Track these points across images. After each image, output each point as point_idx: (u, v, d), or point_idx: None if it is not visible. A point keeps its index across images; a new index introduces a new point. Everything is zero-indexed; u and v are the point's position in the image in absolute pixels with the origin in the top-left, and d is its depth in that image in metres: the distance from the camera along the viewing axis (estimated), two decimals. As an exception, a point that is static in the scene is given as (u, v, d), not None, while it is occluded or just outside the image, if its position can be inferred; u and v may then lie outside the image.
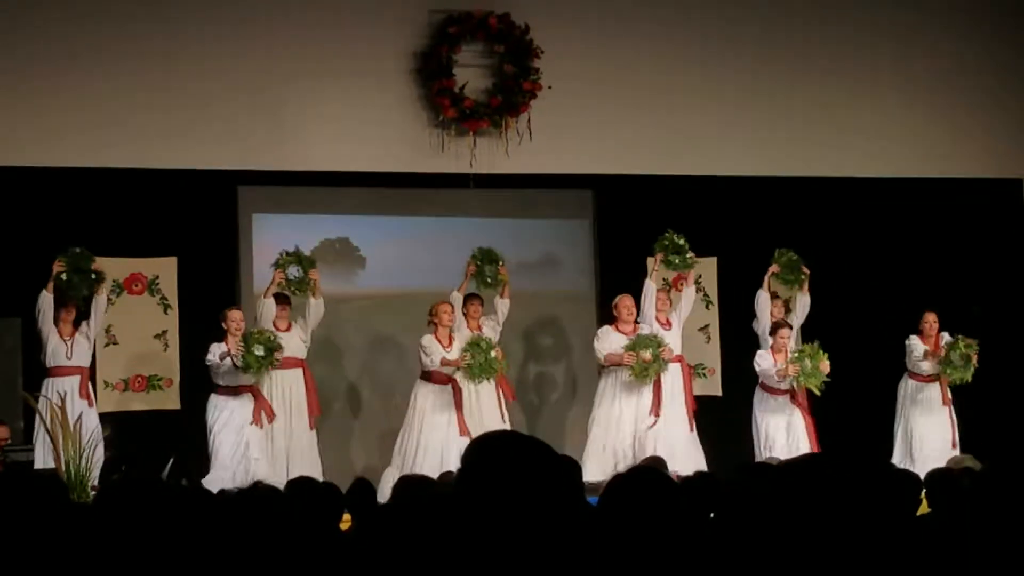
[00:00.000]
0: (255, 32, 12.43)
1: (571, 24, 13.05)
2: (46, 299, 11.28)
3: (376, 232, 13.30)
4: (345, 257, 13.26)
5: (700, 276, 13.47)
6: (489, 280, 12.06)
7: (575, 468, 4.06)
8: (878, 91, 13.69)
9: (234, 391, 11.41)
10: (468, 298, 12.10)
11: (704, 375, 13.11)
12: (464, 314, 12.04)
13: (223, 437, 11.32)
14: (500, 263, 12.10)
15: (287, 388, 11.76)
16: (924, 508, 6.45)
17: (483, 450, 2.84)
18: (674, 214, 13.19)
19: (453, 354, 11.69)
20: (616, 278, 12.94)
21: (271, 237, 12.94)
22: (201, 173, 12.29)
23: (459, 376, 11.64)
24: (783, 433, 12.11)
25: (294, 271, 11.71)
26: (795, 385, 12.03)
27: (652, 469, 4.08)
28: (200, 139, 12.24)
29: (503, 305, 12.17)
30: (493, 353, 11.63)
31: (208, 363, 11.35)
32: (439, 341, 11.76)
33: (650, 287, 12.16)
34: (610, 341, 12.02)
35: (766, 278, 12.35)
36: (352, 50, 12.57)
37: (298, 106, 12.47)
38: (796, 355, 12.03)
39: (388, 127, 12.60)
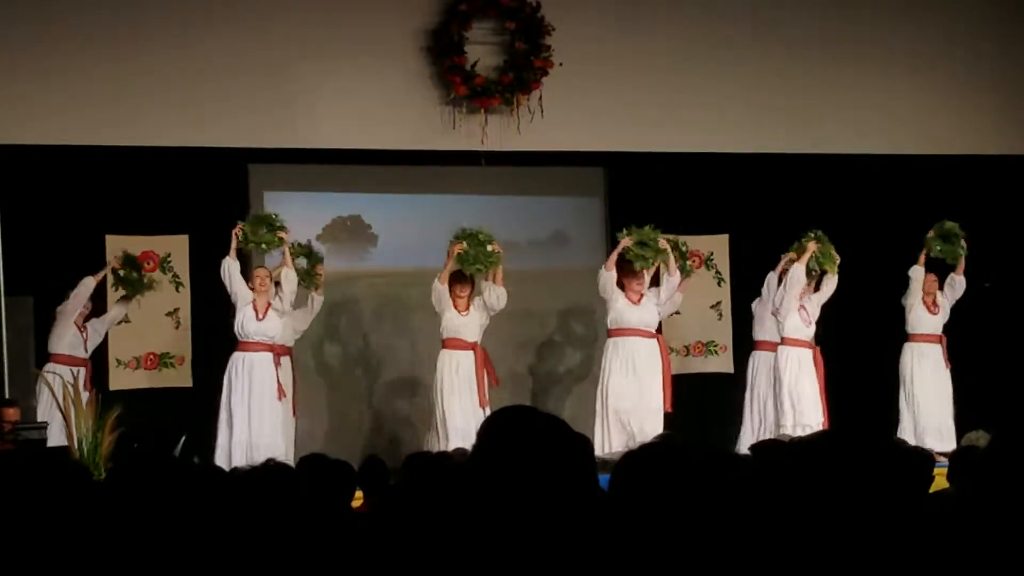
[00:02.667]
0: (266, 10, 12.42)
1: (582, 1, 13.02)
2: (89, 285, 11.39)
3: (387, 210, 13.30)
4: (356, 235, 13.27)
5: (712, 253, 13.47)
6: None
7: (588, 445, 4.06)
8: (890, 69, 13.65)
9: (252, 347, 11.37)
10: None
11: (716, 352, 13.11)
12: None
13: (235, 400, 11.26)
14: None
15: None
16: (937, 485, 6.44)
17: (499, 425, 2.83)
18: (685, 191, 13.20)
19: (471, 318, 11.59)
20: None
21: (282, 215, 12.94)
22: (212, 151, 12.30)
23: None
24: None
25: (302, 262, 11.79)
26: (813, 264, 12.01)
27: (665, 445, 4.07)
28: (211, 117, 12.23)
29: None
30: (490, 247, 11.47)
31: (222, 272, 11.26)
32: (456, 308, 11.66)
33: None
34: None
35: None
36: (363, 28, 12.56)
37: (309, 84, 12.46)
38: (802, 241, 12.06)
39: (399, 105, 12.58)
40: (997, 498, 3.61)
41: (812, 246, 12.11)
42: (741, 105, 13.28)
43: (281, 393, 11.33)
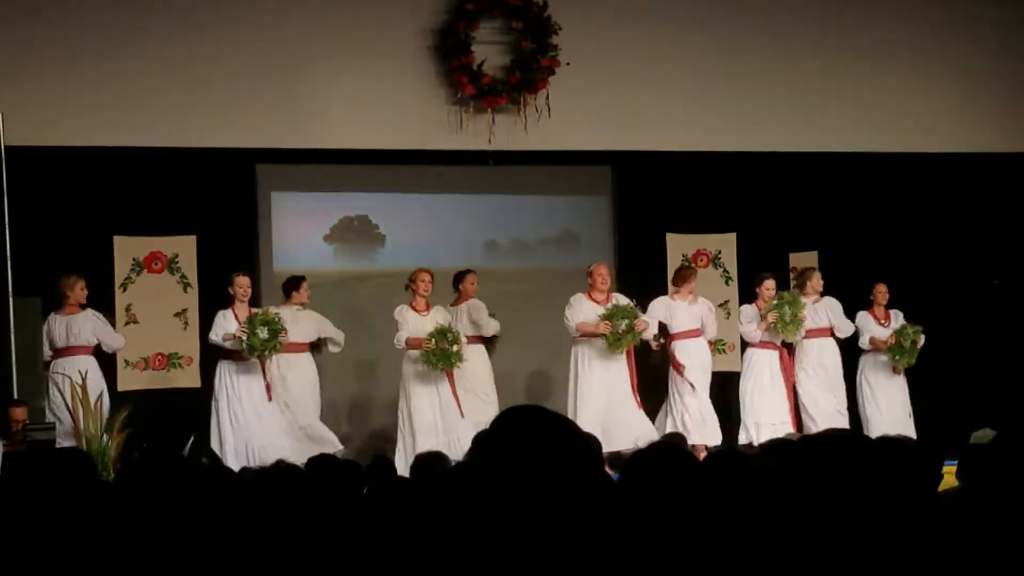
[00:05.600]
0: (273, 10, 12.43)
1: (589, 0, 13.02)
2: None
3: (395, 210, 13.30)
4: (364, 235, 13.28)
5: (719, 252, 13.46)
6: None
7: (596, 445, 4.06)
8: (896, 67, 13.64)
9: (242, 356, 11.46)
10: (465, 272, 12.12)
11: (724, 351, 13.08)
12: (458, 290, 12.08)
13: (220, 405, 11.40)
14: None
15: (294, 371, 11.74)
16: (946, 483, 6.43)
17: (506, 424, 2.83)
18: (693, 190, 13.19)
19: (429, 323, 11.59)
20: (635, 254, 12.94)
21: (289, 215, 12.96)
22: (220, 152, 12.32)
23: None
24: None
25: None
26: (777, 330, 12.00)
27: (673, 445, 4.08)
28: (219, 118, 12.25)
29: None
30: (455, 347, 11.43)
31: (211, 342, 11.43)
32: (415, 309, 11.67)
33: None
34: (583, 310, 11.83)
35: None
36: (370, 27, 12.56)
37: (316, 84, 12.47)
38: (776, 303, 11.99)
39: (406, 105, 12.59)
40: (1006, 495, 3.61)
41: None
42: (748, 103, 13.27)
43: (269, 394, 11.42)
